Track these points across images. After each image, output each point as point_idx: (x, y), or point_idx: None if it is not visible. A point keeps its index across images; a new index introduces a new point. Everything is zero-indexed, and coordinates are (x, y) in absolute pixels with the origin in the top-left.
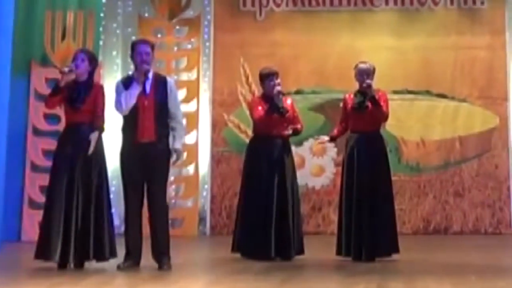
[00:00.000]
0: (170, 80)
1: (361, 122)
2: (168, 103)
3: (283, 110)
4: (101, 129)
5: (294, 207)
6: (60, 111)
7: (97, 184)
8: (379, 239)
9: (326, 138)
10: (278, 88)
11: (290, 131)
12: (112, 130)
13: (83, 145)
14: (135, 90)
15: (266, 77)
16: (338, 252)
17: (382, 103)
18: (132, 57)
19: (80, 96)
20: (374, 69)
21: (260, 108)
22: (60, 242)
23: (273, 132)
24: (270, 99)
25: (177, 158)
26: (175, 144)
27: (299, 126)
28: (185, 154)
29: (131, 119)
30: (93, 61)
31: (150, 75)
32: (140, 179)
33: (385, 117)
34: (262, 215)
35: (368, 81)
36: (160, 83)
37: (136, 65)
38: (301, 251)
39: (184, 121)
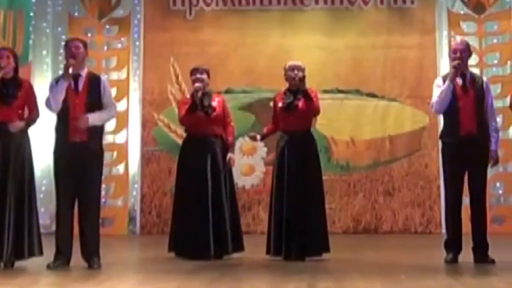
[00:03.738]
0: (104, 78)
1: (291, 121)
2: (102, 100)
3: (208, 108)
4: (31, 122)
5: (228, 206)
6: None
7: (28, 184)
8: (310, 238)
9: (258, 136)
10: (196, 84)
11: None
12: (43, 129)
13: (13, 143)
14: (61, 85)
15: (191, 73)
16: (268, 251)
17: (312, 99)
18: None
19: (10, 92)
20: (304, 69)
21: (183, 107)
22: None
23: (202, 131)
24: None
25: (82, 123)
26: (94, 114)
27: (230, 138)
28: (114, 154)
29: (63, 118)
30: (16, 58)
31: (84, 73)
32: (72, 178)
33: (316, 111)
34: (196, 214)
35: (300, 74)
36: (94, 81)
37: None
38: (240, 248)
39: (115, 111)
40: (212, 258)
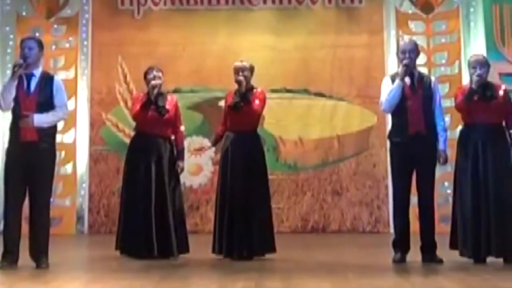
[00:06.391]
0: (58, 79)
1: (238, 121)
2: (54, 100)
3: (161, 109)
4: None
5: (174, 205)
6: None
7: None
8: (252, 238)
9: (209, 145)
10: (153, 82)
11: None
12: None
13: None
14: (9, 84)
15: (146, 72)
16: (213, 250)
17: (256, 101)
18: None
19: None
20: (251, 67)
21: (137, 104)
22: None
23: (151, 131)
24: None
25: (25, 123)
26: (40, 115)
27: (180, 145)
28: (62, 153)
29: (15, 117)
30: None
31: (37, 73)
32: (22, 178)
33: (255, 114)
34: (140, 214)
35: (239, 77)
36: (47, 82)
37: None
38: (186, 249)
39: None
40: (156, 258)
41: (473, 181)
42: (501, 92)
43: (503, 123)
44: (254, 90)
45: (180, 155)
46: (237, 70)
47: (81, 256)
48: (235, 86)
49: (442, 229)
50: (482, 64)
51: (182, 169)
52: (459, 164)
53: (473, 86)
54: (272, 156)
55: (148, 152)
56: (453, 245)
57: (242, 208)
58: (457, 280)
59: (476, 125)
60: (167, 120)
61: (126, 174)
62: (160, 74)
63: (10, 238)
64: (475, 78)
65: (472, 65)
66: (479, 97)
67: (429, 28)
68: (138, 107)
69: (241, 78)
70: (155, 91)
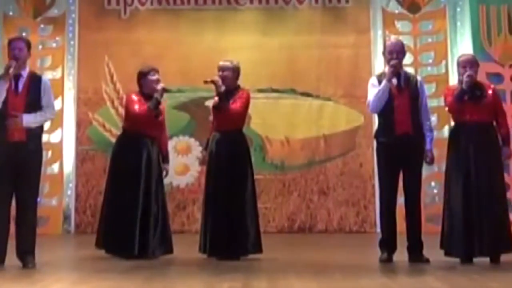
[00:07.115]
0: (45, 79)
1: (222, 121)
2: (42, 101)
3: (158, 112)
4: None
5: (158, 206)
6: None
7: None
8: (242, 238)
9: (204, 153)
10: (162, 84)
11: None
12: None
13: None
14: (3, 84)
15: (147, 73)
16: (200, 249)
17: (237, 102)
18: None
19: None
20: (235, 67)
21: (139, 103)
22: None
23: (144, 131)
24: (148, 97)
25: (14, 123)
26: (29, 115)
27: (165, 149)
28: (49, 153)
29: (3, 117)
30: None
31: (25, 73)
32: (9, 178)
33: (236, 114)
34: (125, 212)
35: (214, 77)
36: (35, 82)
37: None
38: (170, 250)
39: (53, 113)
40: (135, 258)
41: (464, 181)
42: (490, 91)
43: (494, 123)
44: (238, 90)
45: (166, 159)
46: (218, 69)
47: (68, 256)
48: None
49: (429, 229)
50: (472, 64)
51: (167, 172)
52: (450, 163)
53: (464, 86)
54: (259, 156)
55: (139, 151)
56: (443, 245)
57: (227, 208)
58: (444, 280)
59: (467, 124)
60: (160, 123)
61: (114, 171)
62: (159, 76)
63: None
64: (465, 78)
65: (462, 65)
66: (469, 97)
67: (416, 28)
68: (143, 107)
69: (216, 78)
70: (163, 94)
